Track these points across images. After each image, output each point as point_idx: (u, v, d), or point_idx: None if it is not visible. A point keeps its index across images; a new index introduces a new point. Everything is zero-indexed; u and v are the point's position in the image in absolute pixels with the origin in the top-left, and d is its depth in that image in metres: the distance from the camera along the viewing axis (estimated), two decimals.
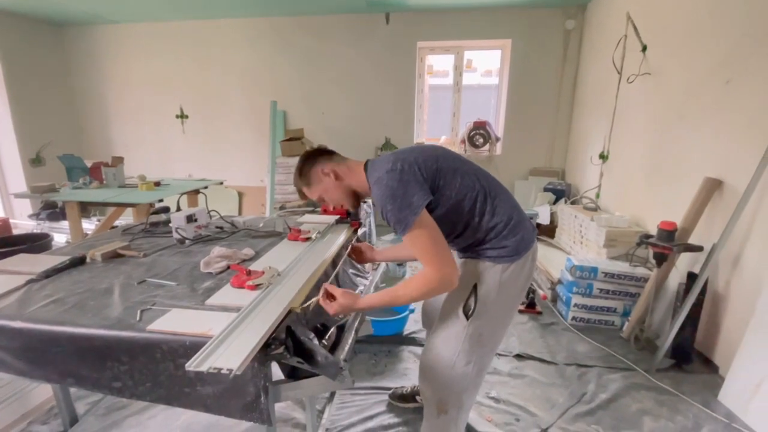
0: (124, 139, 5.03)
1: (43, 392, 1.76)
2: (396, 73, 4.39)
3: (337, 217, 1.85)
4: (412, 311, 2.31)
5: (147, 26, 4.58)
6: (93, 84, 4.89)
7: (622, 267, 2.40)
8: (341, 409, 1.73)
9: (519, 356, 2.13)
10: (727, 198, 2.00)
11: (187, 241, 1.53)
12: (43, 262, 1.28)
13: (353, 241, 1.62)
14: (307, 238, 1.51)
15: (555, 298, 2.72)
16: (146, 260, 1.35)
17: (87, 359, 0.92)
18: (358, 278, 1.59)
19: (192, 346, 0.82)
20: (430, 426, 1.28)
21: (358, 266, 1.69)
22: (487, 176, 1.19)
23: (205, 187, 3.17)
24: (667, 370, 2.01)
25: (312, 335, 0.98)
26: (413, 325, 2.37)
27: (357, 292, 1.46)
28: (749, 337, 1.75)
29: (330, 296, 1.10)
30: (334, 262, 1.42)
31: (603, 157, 3.32)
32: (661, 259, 2.13)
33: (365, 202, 4.00)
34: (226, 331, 0.83)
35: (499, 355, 2.14)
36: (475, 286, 1.14)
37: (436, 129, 4.88)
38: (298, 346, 0.89)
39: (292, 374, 0.93)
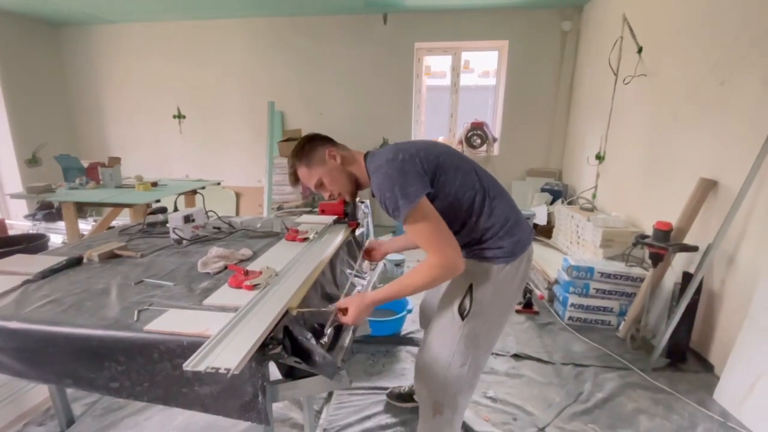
0: (120, 140, 5.01)
1: (39, 393, 1.75)
2: (394, 73, 4.39)
3: (335, 217, 1.85)
4: (409, 311, 2.31)
5: (144, 26, 4.57)
6: (90, 84, 4.87)
7: (618, 267, 2.42)
8: (339, 409, 1.73)
9: (516, 356, 2.14)
10: (722, 198, 2.01)
11: (184, 242, 1.53)
12: (40, 262, 1.28)
13: (364, 246, 1.60)
14: (305, 239, 1.51)
15: (552, 298, 2.73)
16: (143, 260, 1.35)
17: (84, 360, 0.92)
18: (356, 278, 1.59)
19: (189, 346, 0.82)
20: (425, 427, 1.28)
21: (356, 266, 1.70)
22: (487, 176, 1.19)
23: (203, 188, 3.16)
24: (663, 370, 2.02)
25: (309, 335, 0.98)
26: (411, 325, 2.37)
27: (356, 291, 1.47)
28: (744, 337, 1.76)
29: (343, 311, 1.09)
30: (332, 263, 1.42)
31: (599, 157, 3.34)
32: (657, 259, 2.14)
33: (363, 202, 4.01)
34: (224, 331, 0.83)
35: (497, 354, 2.15)
36: (470, 287, 1.15)
37: (433, 130, 4.89)
38: (295, 345, 0.90)
39: (290, 374, 0.94)
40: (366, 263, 1.81)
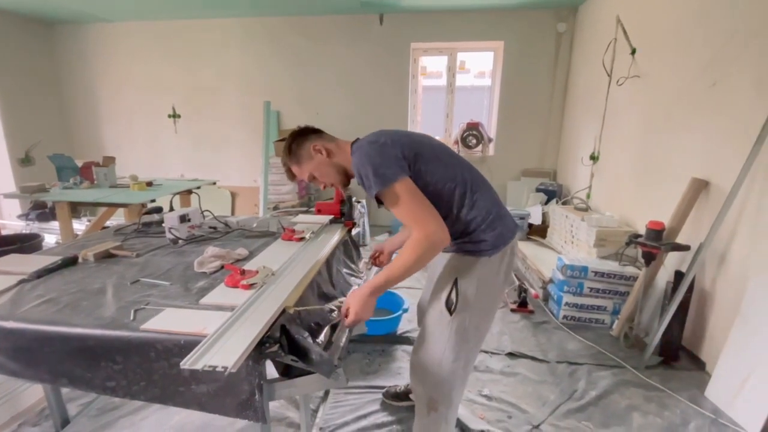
0: (115, 139, 4.98)
1: (34, 394, 1.74)
2: (390, 73, 4.40)
3: (331, 217, 1.86)
4: (405, 311, 2.32)
5: (139, 25, 4.55)
6: (84, 82, 4.84)
7: (611, 266, 2.44)
8: (335, 408, 1.74)
9: (511, 354, 2.16)
10: (713, 198, 2.04)
11: (180, 241, 1.53)
12: (35, 262, 1.27)
13: (370, 254, 1.59)
14: (301, 238, 1.52)
15: (546, 297, 2.75)
16: (139, 260, 1.35)
17: (80, 359, 0.92)
18: (353, 278, 1.60)
19: (186, 345, 0.83)
20: (421, 424, 1.29)
21: (353, 266, 1.70)
22: (470, 170, 1.20)
23: (198, 188, 3.15)
24: (656, 367, 2.05)
25: (306, 334, 0.99)
26: (407, 324, 2.38)
27: (351, 291, 1.48)
28: (735, 335, 1.79)
29: (346, 314, 1.08)
30: (328, 262, 1.43)
31: (593, 158, 3.37)
32: (650, 258, 2.17)
33: (359, 202, 4.01)
34: (221, 330, 0.84)
35: (491, 353, 2.17)
36: (455, 281, 1.16)
37: (429, 130, 4.89)
38: (292, 344, 0.90)
39: (286, 373, 0.94)
40: (362, 263, 1.81)
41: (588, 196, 3.43)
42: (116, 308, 0.99)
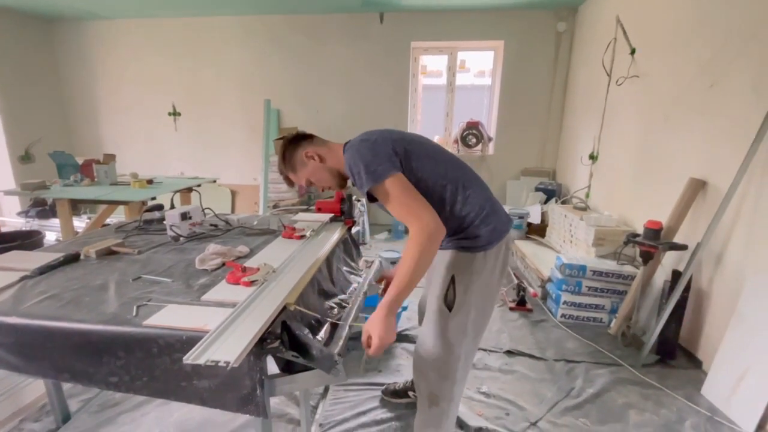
0: (115, 137, 4.98)
1: (35, 390, 1.75)
2: (390, 72, 4.41)
3: (331, 215, 1.86)
4: (404, 309, 2.33)
5: (139, 22, 4.55)
6: (84, 80, 4.84)
7: (609, 265, 2.46)
8: (335, 404, 1.75)
9: (509, 352, 2.17)
10: (711, 198, 2.06)
11: (181, 239, 1.54)
12: (36, 259, 1.28)
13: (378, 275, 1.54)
14: (302, 236, 1.52)
15: (545, 296, 2.77)
16: (141, 257, 1.36)
17: (83, 354, 0.93)
18: (352, 276, 1.61)
19: (188, 341, 0.84)
20: (423, 419, 1.31)
21: (352, 264, 1.72)
22: (462, 167, 1.21)
23: (198, 185, 3.16)
24: (653, 366, 2.06)
25: (307, 330, 1.00)
26: (406, 322, 2.40)
27: (351, 289, 1.49)
28: (731, 333, 1.80)
29: (369, 342, 1.02)
30: (329, 260, 1.44)
31: (593, 157, 3.38)
32: (648, 257, 2.18)
33: (359, 200, 4.02)
34: (223, 326, 0.85)
35: (490, 351, 2.18)
36: (452, 278, 1.17)
37: (429, 129, 4.91)
38: (293, 340, 0.91)
39: (287, 369, 0.95)
40: (362, 261, 1.83)
41: (587, 195, 3.45)
42: (119, 304, 1.00)
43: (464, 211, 1.15)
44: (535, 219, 3.71)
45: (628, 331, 2.26)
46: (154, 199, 2.66)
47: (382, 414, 1.70)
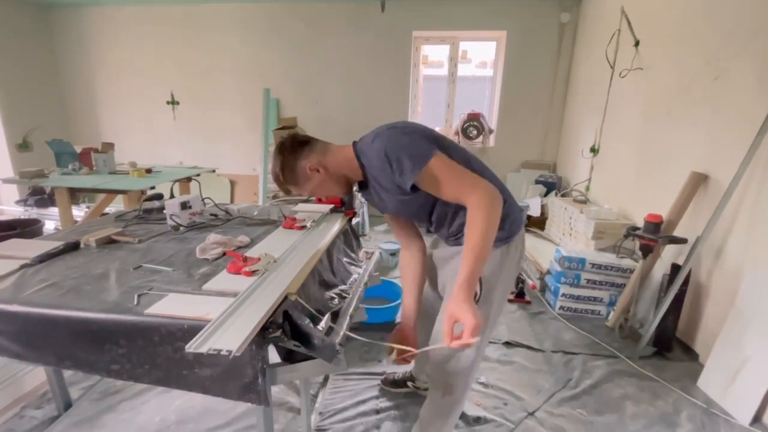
0: (113, 125, 4.94)
1: (36, 377, 1.76)
2: (391, 62, 4.36)
3: (332, 206, 1.86)
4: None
5: (137, 9, 4.48)
6: (82, 68, 4.78)
7: (609, 258, 2.46)
8: (334, 393, 1.77)
9: (508, 344, 2.19)
10: (712, 192, 2.05)
11: (181, 228, 1.53)
12: (36, 247, 1.28)
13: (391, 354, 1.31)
14: (302, 227, 1.52)
15: (544, 288, 2.78)
16: (141, 246, 1.35)
17: (84, 342, 0.93)
18: (353, 266, 1.61)
19: (190, 330, 0.84)
20: (434, 407, 1.32)
21: (352, 254, 1.71)
22: (477, 159, 1.21)
23: (198, 175, 3.15)
24: (650, 358, 2.08)
25: (308, 320, 1.00)
26: None
27: (352, 280, 1.49)
28: (728, 327, 1.82)
29: (456, 337, 0.87)
30: (329, 251, 1.44)
31: (594, 150, 3.37)
32: (647, 250, 2.19)
33: (359, 192, 4.00)
34: (225, 315, 0.85)
35: (489, 342, 2.19)
36: None
37: (430, 120, 4.88)
38: (295, 329, 0.92)
39: (288, 358, 0.96)
40: (362, 252, 1.82)
41: (587, 188, 3.44)
42: (120, 293, 1.00)
43: None
44: (534, 212, 3.71)
45: (626, 324, 2.27)
46: (153, 188, 2.65)
47: (382, 403, 1.71)
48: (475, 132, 4.36)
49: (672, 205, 2.20)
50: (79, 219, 3.48)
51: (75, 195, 4.29)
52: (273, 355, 0.95)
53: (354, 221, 1.92)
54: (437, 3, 4.10)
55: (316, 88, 4.52)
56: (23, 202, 4.16)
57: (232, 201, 4.82)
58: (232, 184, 4.85)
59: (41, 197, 4.14)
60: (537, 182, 4.12)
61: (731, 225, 1.92)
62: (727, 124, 1.99)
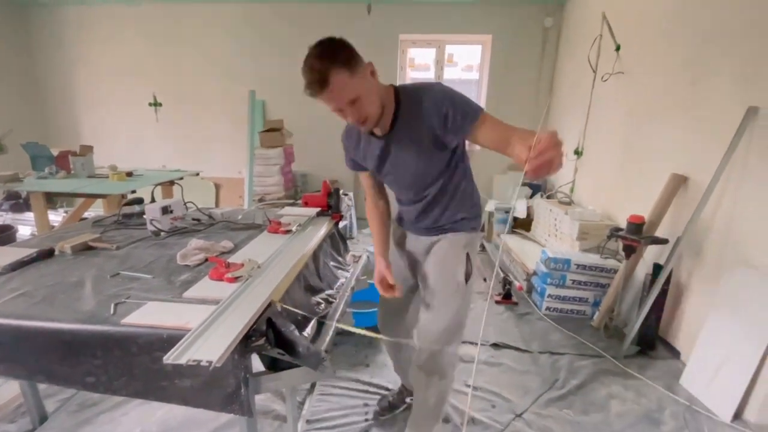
0: (93, 128, 4.82)
1: (10, 389, 1.69)
2: (378, 64, 4.15)
3: (318, 209, 1.84)
4: None
5: (119, 8, 4.38)
6: (60, 68, 4.65)
7: (593, 259, 2.50)
8: (322, 400, 1.74)
9: (495, 345, 2.19)
10: (692, 193, 2.10)
11: (162, 233, 1.49)
12: (8, 254, 1.22)
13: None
14: (288, 231, 1.50)
15: (530, 289, 2.80)
16: (119, 253, 1.31)
17: (58, 354, 0.89)
18: (340, 270, 1.59)
19: (169, 339, 0.81)
20: (436, 391, 1.33)
21: (339, 259, 1.70)
22: None
23: (181, 178, 3.08)
24: (634, 357, 2.11)
25: (293, 327, 0.98)
26: None
27: (338, 284, 1.47)
28: (709, 325, 1.86)
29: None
30: (315, 255, 1.42)
31: (578, 153, 3.42)
32: (630, 251, 2.22)
33: (346, 194, 3.98)
34: (205, 324, 0.82)
35: (477, 344, 2.19)
36: (467, 255, 1.27)
37: None
38: (279, 337, 0.90)
39: (273, 366, 0.93)
40: (350, 255, 1.81)
41: (572, 190, 3.49)
42: (95, 302, 0.96)
43: (474, 191, 1.32)
44: (521, 213, 3.74)
45: (611, 324, 2.30)
46: (134, 192, 2.58)
47: (370, 409, 1.69)
48: None
49: (653, 206, 2.24)
50: (56, 224, 3.37)
51: (52, 199, 4.18)
52: (257, 363, 0.92)
53: (341, 224, 1.90)
54: (423, 6, 4.12)
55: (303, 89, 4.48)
56: None
57: (216, 205, 4.74)
58: (217, 187, 4.77)
59: (16, 202, 4.00)
60: (523, 184, 4.16)
61: (710, 226, 1.97)
62: (705, 127, 2.04)
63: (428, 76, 4.61)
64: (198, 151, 4.76)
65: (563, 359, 2.08)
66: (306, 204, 1.87)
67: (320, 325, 1.10)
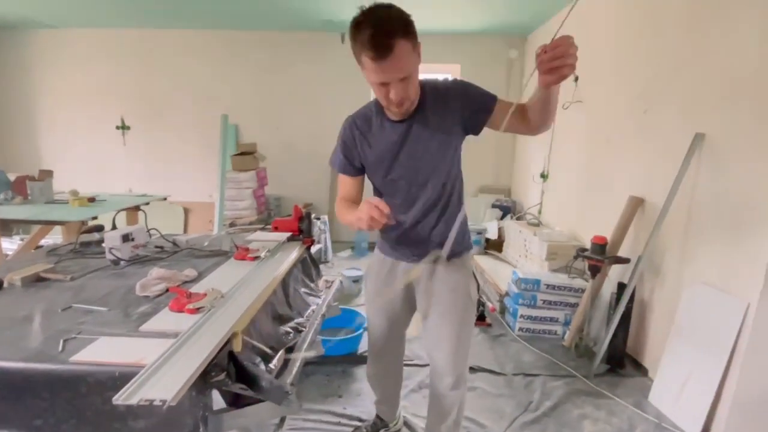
0: (56, 152, 4.62)
1: None
2: (352, 91, 4.42)
3: (289, 234, 1.81)
4: (366, 329, 2.29)
5: (87, 32, 4.32)
6: (21, 91, 4.49)
7: (562, 279, 2.56)
8: None
9: (471, 369, 2.18)
10: (648, 214, 2.21)
11: (122, 262, 1.43)
12: None
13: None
14: (256, 257, 1.47)
15: (503, 310, 2.83)
16: (74, 284, 1.24)
17: (2, 396, 0.82)
18: (311, 297, 1.56)
19: (122, 377, 0.76)
20: (456, 400, 1.38)
21: (311, 285, 1.67)
22: None
23: (146, 203, 2.99)
24: (604, 375, 2.15)
25: (258, 359, 0.95)
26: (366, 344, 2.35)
27: (309, 312, 1.44)
28: (671, 342, 1.92)
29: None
30: (285, 281, 1.39)
31: (543, 176, 3.56)
32: (595, 270, 2.30)
33: (318, 218, 3.95)
34: (161, 359, 0.78)
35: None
36: (473, 274, 1.37)
37: None
38: (240, 371, 0.86)
39: (236, 402, 0.89)
40: (322, 281, 1.78)
41: (539, 212, 3.61)
42: (43, 338, 0.90)
43: (463, 208, 1.25)
44: (492, 235, 3.82)
45: (581, 343, 2.34)
46: (95, 218, 2.47)
47: None
48: None
49: (615, 227, 2.35)
50: (10, 253, 3.17)
51: (8, 226, 3.94)
52: (219, 399, 0.88)
53: (315, 248, 1.88)
54: None
55: (277, 114, 4.50)
56: None
57: (185, 230, 4.60)
58: (186, 212, 4.64)
59: None
60: (494, 206, 4.27)
61: (666, 245, 2.07)
62: (657, 152, 2.18)
63: None
64: (167, 175, 4.64)
65: (537, 380, 2.09)
66: (276, 229, 1.84)
67: (288, 356, 1.07)
